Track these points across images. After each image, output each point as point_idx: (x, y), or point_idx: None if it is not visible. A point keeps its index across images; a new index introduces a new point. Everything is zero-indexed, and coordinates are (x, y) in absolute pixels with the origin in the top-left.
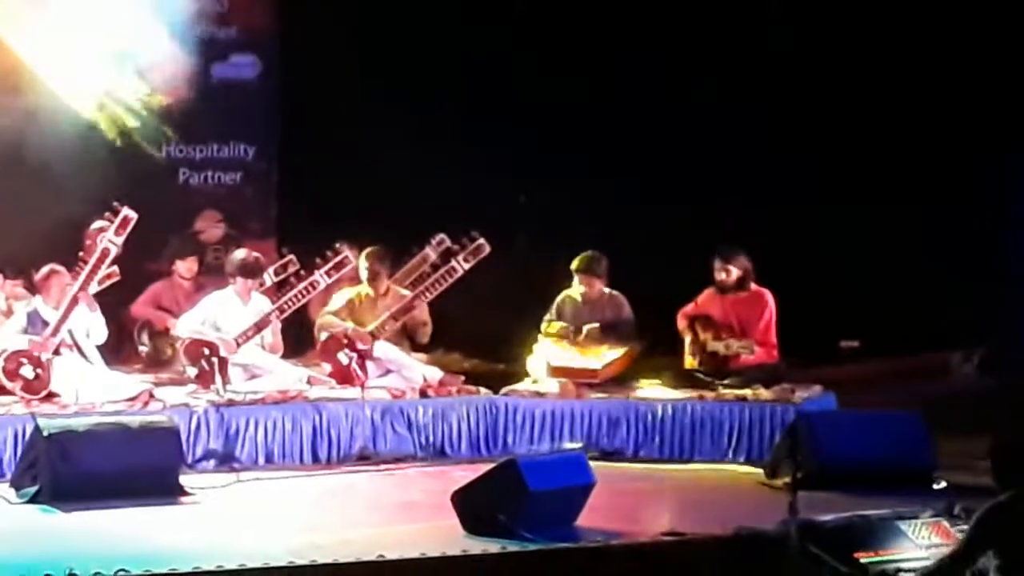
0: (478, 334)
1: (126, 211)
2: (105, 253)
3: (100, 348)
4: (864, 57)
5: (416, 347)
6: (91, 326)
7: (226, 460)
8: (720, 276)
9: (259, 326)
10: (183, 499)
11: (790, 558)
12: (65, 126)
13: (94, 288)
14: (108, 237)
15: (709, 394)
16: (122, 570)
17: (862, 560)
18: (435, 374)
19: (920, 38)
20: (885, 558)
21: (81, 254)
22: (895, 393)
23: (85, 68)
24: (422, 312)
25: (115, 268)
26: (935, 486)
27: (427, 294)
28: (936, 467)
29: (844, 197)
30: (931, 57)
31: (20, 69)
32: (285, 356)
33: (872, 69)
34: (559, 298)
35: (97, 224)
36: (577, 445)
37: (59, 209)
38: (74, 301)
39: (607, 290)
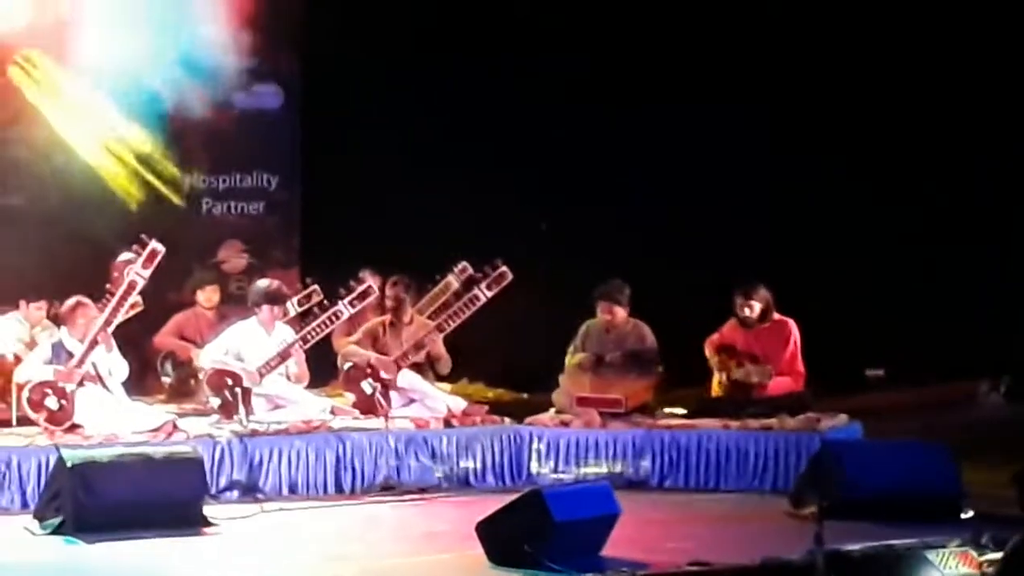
0: (502, 364)
1: (154, 244)
2: (132, 286)
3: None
4: (899, 85)
5: (440, 376)
6: (112, 365)
7: (250, 491)
8: (744, 312)
9: (282, 356)
10: (207, 530)
11: None
12: (88, 157)
13: (119, 318)
14: (135, 270)
15: (734, 423)
16: None
17: None
18: (459, 404)
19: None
20: None
21: (108, 287)
22: (921, 422)
23: (108, 102)
24: (437, 347)
25: (139, 299)
26: (962, 515)
27: (450, 323)
28: (963, 496)
29: (868, 224)
30: (966, 79)
31: (45, 103)
32: (309, 386)
33: (902, 94)
34: (583, 327)
35: (124, 256)
36: (602, 469)
37: (83, 239)
38: (100, 333)
39: (630, 318)
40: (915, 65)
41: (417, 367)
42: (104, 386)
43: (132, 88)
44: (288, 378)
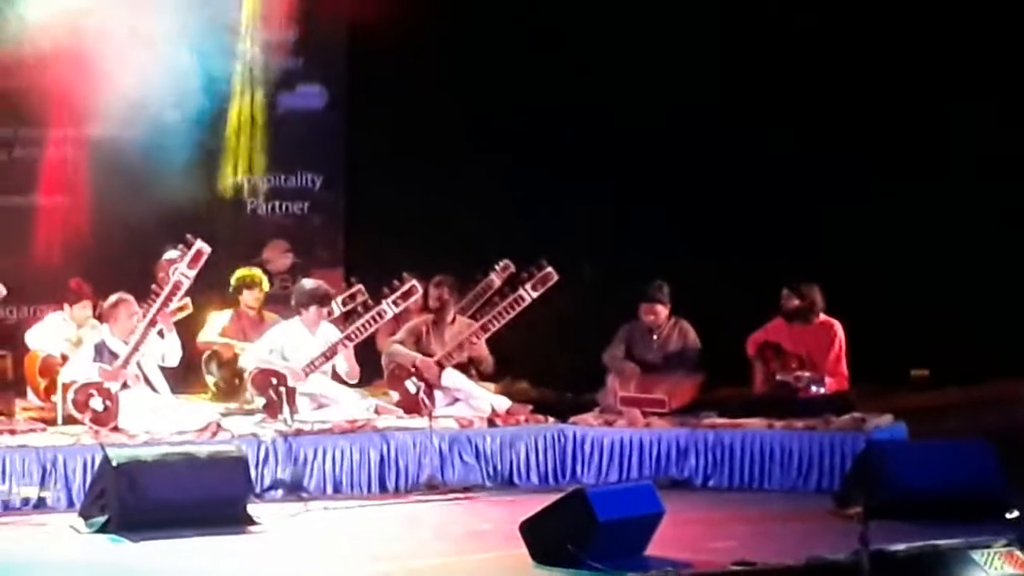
0: (546, 363)
1: (199, 244)
2: (177, 286)
3: (168, 378)
4: (942, 88)
5: (483, 376)
6: (166, 350)
7: (294, 490)
8: (791, 303)
9: (327, 355)
10: (251, 529)
11: None
12: (134, 156)
13: (165, 320)
14: (181, 270)
15: (779, 423)
16: None
17: None
18: (503, 403)
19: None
20: None
21: (153, 286)
22: (966, 422)
23: (152, 97)
24: (479, 350)
25: (188, 300)
26: (1007, 515)
27: (494, 323)
28: (1008, 496)
29: (915, 224)
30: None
31: (93, 101)
32: (353, 385)
33: (945, 93)
34: (622, 329)
35: (168, 255)
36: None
37: (128, 237)
38: (145, 333)
39: (672, 318)
40: (965, 65)
41: (461, 367)
42: (150, 385)
43: (176, 88)
44: (339, 375)
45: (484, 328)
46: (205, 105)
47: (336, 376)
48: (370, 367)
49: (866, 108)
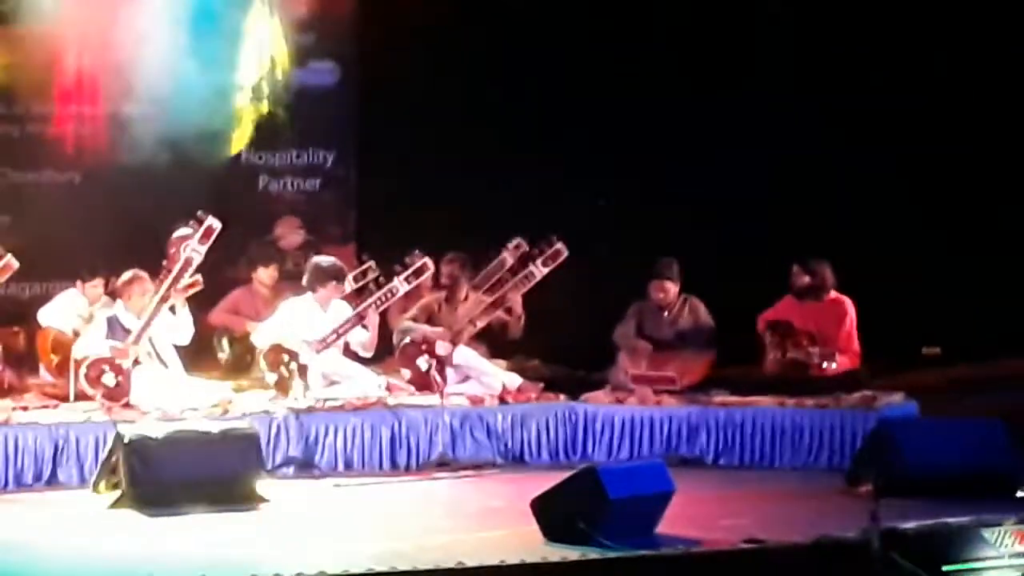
0: (558, 340)
1: (211, 220)
2: (188, 262)
3: (180, 355)
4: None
5: (495, 353)
6: (178, 327)
7: (305, 467)
8: (802, 280)
9: (339, 332)
10: (262, 506)
11: (872, 566)
12: (145, 132)
13: (177, 297)
14: (192, 246)
15: (790, 400)
16: None
17: (945, 568)
18: (514, 381)
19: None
20: (968, 566)
21: (165, 262)
22: (978, 400)
23: (166, 75)
24: (516, 305)
25: (199, 277)
26: (1018, 493)
27: (506, 299)
28: (1020, 474)
29: (926, 200)
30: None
31: (104, 77)
32: (365, 362)
33: (955, 65)
34: (632, 307)
35: (180, 232)
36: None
37: (139, 214)
38: (156, 310)
39: (682, 295)
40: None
41: (474, 340)
42: (161, 362)
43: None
44: (352, 351)
45: (495, 304)
46: (217, 82)
47: (348, 352)
48: (382, 345)
49: (874, 82)
